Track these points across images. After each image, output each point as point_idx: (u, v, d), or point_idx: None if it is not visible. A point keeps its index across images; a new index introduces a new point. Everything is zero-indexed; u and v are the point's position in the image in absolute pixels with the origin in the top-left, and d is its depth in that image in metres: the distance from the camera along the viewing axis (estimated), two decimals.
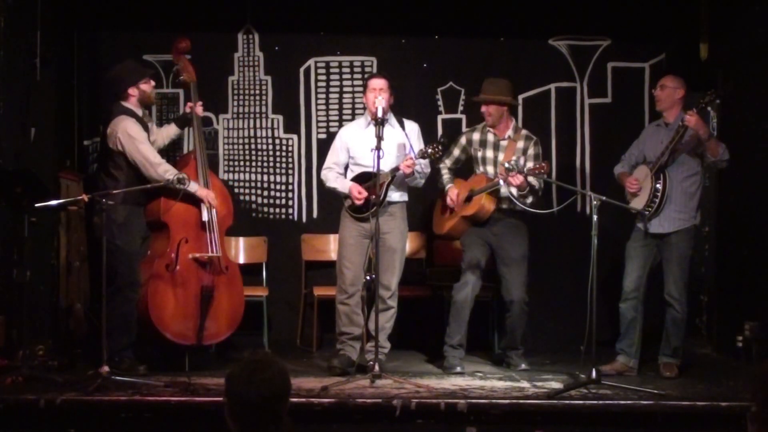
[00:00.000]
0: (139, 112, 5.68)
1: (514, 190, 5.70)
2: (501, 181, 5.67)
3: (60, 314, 6.37)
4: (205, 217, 5.66)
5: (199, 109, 5.90)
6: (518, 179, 5.52)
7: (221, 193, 5.92)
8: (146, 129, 5.68)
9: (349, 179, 5.76)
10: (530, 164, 5.71)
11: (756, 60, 6.13)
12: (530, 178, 5.61)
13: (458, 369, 5.71)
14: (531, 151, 5.87)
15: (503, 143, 5.89)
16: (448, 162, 6.02)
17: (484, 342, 6.57)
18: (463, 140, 6.03)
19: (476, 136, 5.97)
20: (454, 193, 5.89)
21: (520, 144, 5.88)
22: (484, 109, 5.88)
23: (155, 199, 5.63)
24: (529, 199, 5.75)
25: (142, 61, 6.81)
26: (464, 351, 5.92)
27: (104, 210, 5.12)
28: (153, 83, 5.76)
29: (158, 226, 5.69)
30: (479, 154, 5.93)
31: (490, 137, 5.92)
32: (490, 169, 5.87)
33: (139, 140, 5.51)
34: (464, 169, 6.12)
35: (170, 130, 5.94)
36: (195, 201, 5.66)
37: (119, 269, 5.46)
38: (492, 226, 5.85)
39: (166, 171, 5.47)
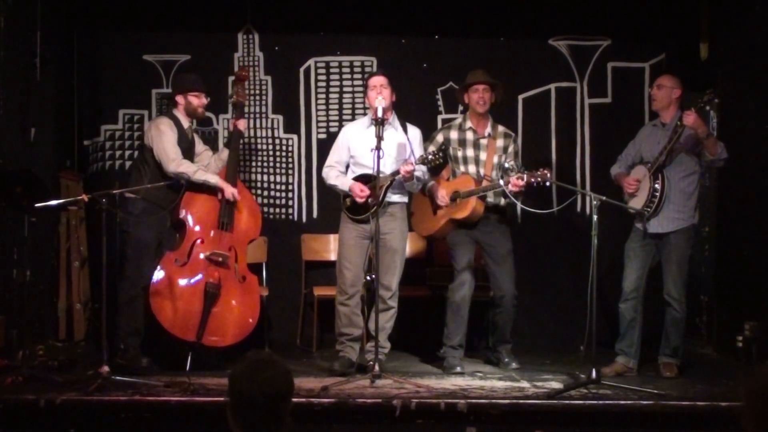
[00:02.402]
0: (185, 122, 5.79)
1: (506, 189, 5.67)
2: (502, 183, 5.63)
3: (60, 314, 6.37)
4: (222, 217, 5.71)
5: (242, 124, 5.99)
6: (520, 183, 5.47)
7: (250, 207, 5.98)
8: (189, 140, 5.80)
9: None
10: (511, 162, 5.70)
11: (756, 60, 6.13)
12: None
13: (458, 369, 5.71)
14: (511, 149, 5.88)
15: (483, 141, 5.87)
16: None
17: (483, 342, 6.57)
18: (440, 138, 5.96)
19: (454, 135, 5.92)
20: (442, 192, 5.85)
21: (500, 142, 5.87)
22: (477, 96, 5.81)
23: (176, 195, 5.70)
24: (521, 199, 5.76)
25: (143, 61, 6.84)
26: (464, 351, 5.92)
27: (104, 210, 5.12)
28: (204, 100, 5.82)
29: (179, 224, 5.76)
30: (459, 153, 5.89)
31: (470, 135, 5.89)
32: (471, 168, 5.85)
33: (165, 135, 5.63)
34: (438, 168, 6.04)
35: (224, 155, 5.96)
36: (215, 203, 5.72)
37: (127, 254, 5.58)
38: (477, 227, 5.84)
39: (179, 165, 5.59)
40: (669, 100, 5.68)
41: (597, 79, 7.06)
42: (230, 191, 5.72)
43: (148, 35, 6.91)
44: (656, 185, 5.54)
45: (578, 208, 6.97)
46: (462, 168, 5.89)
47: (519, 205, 5.86)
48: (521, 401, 4.79)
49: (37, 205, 5.12)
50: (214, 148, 6.20)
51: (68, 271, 6.45)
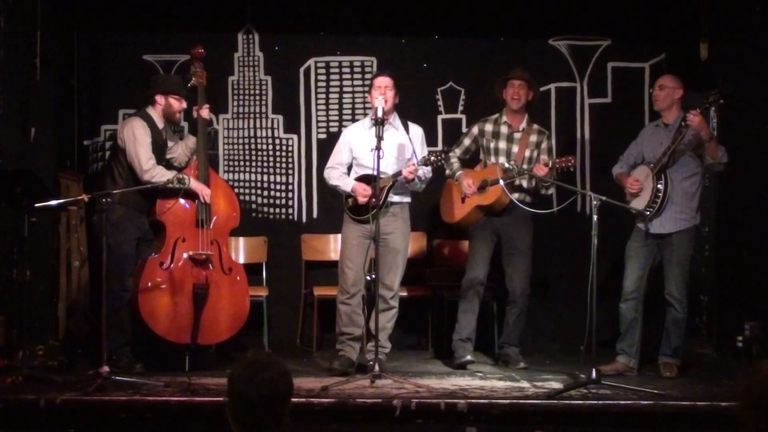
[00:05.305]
0: (160, 123, 5.72)
1: (525, 183, 5.83)
2: (525, 168, 5.74)
3: (60, 314, 6.37)
4: (200, 215, 5.66)
5: (205, 112, 5.91)
6: (543, 170, 5.60)
7: (227, 195, 5.93)
8: (164, 140, 5.74)
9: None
10: (544, 157, 5.85)
11: (756, 60, 6.13)
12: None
13: (468, 357, 5.76)
14: (544, 145, 5.97)
15: (517, 135, 5.95)
16: (457, 151, 6.06)
17: (484, 342, 6.56)
18: (475, 130, 6.07)
19: (489, 128, 6.01)
20: (468, 180, 5.90)
21: (533, 137, 5.95)
22: (512, 91, 5.91)
23: (154, 201, 5.66)
24: (551, 190, 5.90)
25: (143, 61, 6.84)
26: (473, 345, 5.93)
27: (104, 210, 5.13)
28: (184, 105, 5.77)
29: (157, 226, 5.72)
30: (492, 145, 5.97)
31: (504, 129, 5.97)
32: (501, 160, 5.90)
33: (140, 142, 5.55)
34: (469, 160, 6.15)
35: (189, 142, 5.94)
36: (192, 200, 5.68)
37: (109, 268, 5.37)
38: (501, 217, 5.90)
39: (152, 176, 5.50)
40: (671, 100, 5.68)
41: (597, 79, 7.07)
42: (204, 194, 5.64)
43: (148, 35, 6.91)
44: (659, 186, 5.54)
45: (578, 208, 6.96)
46: (493, 159, 5.96)
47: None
48: (521, 401, 4.78)
49: (37, 205, 5.11)
50: (215, 149, 6.18)
51: (68, 271, 6.45)
